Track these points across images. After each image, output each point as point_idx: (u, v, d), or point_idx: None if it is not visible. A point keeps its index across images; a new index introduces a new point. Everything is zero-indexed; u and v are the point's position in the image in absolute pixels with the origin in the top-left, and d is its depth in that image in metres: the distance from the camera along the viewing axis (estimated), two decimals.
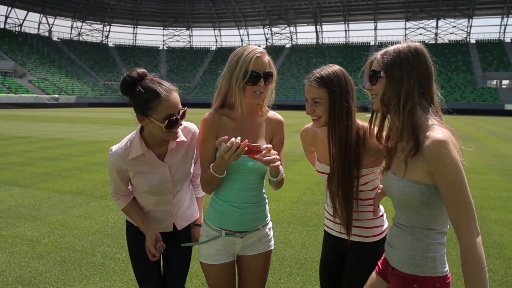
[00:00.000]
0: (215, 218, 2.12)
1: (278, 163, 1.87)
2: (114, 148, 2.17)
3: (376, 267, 1.99)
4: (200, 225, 2.44)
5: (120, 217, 5.69)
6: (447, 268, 1.71)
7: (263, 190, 2.20)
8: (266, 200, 2.23)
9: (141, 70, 2.00)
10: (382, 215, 2.22)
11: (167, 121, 1.95)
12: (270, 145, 1.85)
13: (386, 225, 2.24)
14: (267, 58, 2.05)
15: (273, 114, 2.22)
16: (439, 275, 1.68)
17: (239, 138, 1.82)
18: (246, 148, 1.82)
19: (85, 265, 4.10)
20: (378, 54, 1.73)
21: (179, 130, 2.14)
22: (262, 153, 1.82)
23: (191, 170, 2.28)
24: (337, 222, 2.18)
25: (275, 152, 1.87)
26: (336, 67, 2.05)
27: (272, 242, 2.27)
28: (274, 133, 2.19)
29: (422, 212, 1.67)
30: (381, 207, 2.23)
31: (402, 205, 1.69)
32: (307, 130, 2.33)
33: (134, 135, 2.16)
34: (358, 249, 2.18)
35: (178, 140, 2.14)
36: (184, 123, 2.21)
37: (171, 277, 2.35)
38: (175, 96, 2.00)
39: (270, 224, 2.27)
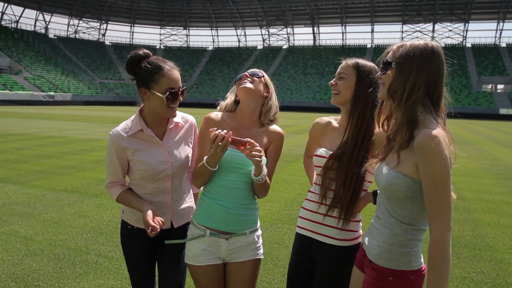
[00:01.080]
0: (201, 216, 2.15)
1: (260, 159, 1.95)
2: (114, 128, 2.24)
3: (356, 259, 2.01)
4: None
5: (115, 215, 5.68)
6: (421, 261, 1.77)
7: (254, 196, 2.21)
8: (256, 207, 2.24)
9: (146, 50, 2.15)
10: (359, 221, 2.18)
11: (168, 93, 2.07)
12: (252, 140, 1.95)
13: (361, 232, 2.20)
14: (260, 71, 2.26)
15: (274, 126, 2.28)
16: (413, 268, 1.74)
17: (225, 130, 1.93)
18: (230, 139, 1.92)
19: (79, 263, 4.09)
20: (395, 46, 1.78)
21: (178, 114, 2.25)
22: (247, 147, 1.93)
23: (189, 156, 2.30)
24: (312, 220, 2.17)
25: (260, 149, 1.95)
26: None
27: (261, 252, 2.24)
28: (270, 143, 2.23)
29: (405, 205, 1.71)
30: (359, 215, 2.20)
31: (388, 194, 1.73)
32: (322, 119, 2.36)
33: (134, 116, 2.24)
34: (328, 253, 2.13)
35: (176, 120, 2.23)
36: (183, 114, 2.32)
37: (165, 277, 2.34)
38: (177, 73, 2.14)
39: (259, 232, 2.25)
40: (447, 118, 1.76)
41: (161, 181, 2.22)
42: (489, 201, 7.16)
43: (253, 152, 1.92)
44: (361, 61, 2.14)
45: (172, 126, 2.24)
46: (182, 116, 2.31)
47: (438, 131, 1.60)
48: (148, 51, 2.15)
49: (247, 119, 2.21)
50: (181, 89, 2.14)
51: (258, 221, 2.26)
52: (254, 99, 2.18)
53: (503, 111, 50.86)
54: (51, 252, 4.34)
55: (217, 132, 1.91)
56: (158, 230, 2.03)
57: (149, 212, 2.09)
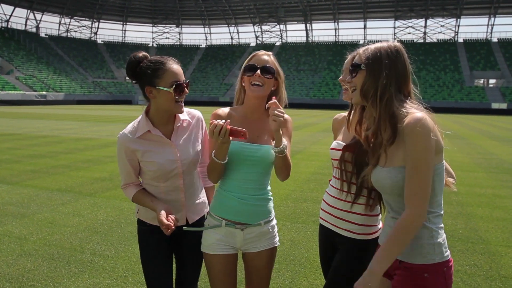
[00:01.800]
0: (217, 208, 2.21)
1: (282, 119, 1.97)
2: (122, 131, 2.25)
3: None
4: None
5: (110, 214, 5.67)
6: (449, 251, 1.78)
7: (268, 187, 2.24)
8: (271, 197, 2.27)
9: (144, 52, 2.17)
10: (378, 215, 2.20)
11: (174, 85, 2.08)
12: (275, 101, 1.98)
13: (380, 225, 2.22)
14: (269, 58, 2.20)
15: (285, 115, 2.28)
16: (445, 259, 1.73)
17: (223, 121, 1.95)
18: (228, 127, 1.94)
19: (74, 262, 4.08)
20: (360, 50, 1.82)
21: (184, 110, 2.27)
22: (272, 106, 1.97)
23: (199, 152, 2.31)
24: (332, 214, 2.20)
25: (282, 110, 1.98)
26: None
27: (277, 240, 2.30)
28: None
29: None
30: (378, 208, 2.21)
31: (398, 192, 1.72)
32: (340, 114, 2.43)
33: (140, 117, 2.25)
34: (348, 245, 2.18)
35: (182, 118, 2.25)
36: (189, 109, 2.35)
37: (186, 276, 2.38)
38: (179, 67, 2.17)
39: (274, 222, 2.30)
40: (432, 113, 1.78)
41: (172, 180, 2.24)
42: (482, 194, 7.22)
43: (275, 112, 1.94)
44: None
45: (179, 124, 2.25)
46: (188, 112, 2.33)
47: (422, 114, 1.64)
48: (146, 53, 2.17)
49: (255, 112, 2.23)
50: (185, 82, 2.16)
51: (273, 211, 2.29)
52: (264, 99, 2.21)
53: (495, 105, 51.25)
54: (46, 252, 4.33)
55: (215, 122, 1.94)
56: (173, 228, 2.06)
57: (163, 212, 2.11)
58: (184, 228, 2.25)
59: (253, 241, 2.21)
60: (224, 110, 2.25)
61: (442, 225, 1.77)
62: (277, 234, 2.31)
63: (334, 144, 2.27)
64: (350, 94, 2.17)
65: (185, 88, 2.14)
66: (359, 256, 2.15)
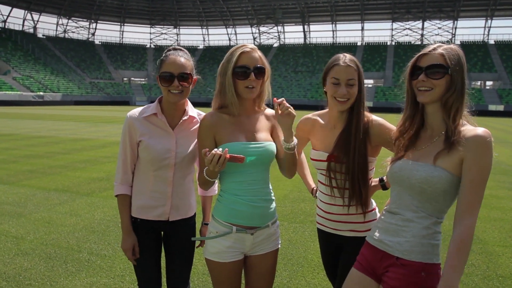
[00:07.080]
0: (225, 213, 2.07)
1: (294, 114, 1.93)
2: (132, 110, 2.31)
3: (357, 263, 1.95)
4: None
5: (107, 214, 5.65)
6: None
7: (270, 186, 2.20)
8: (274, 197, 2.23)
9: (177, 47, 2.26)
10: (374, 209, 2.21)
11: (160, 73, 2.15)
12: (281, 99, 1.93)
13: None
14: (257, 54, 2.06)
15: (271, 110, 2.24)
16: (439, 262, 1.76)
17: (220, 149, 1.86)
18: (228, 156, 1.84)
19: (71, 261, 4.07)
20: (440, 49, 1.73)
21: (194, 110, 2.31)
22: (279, 105, 1.92)
23: (196, 151, 2.28)
24: (330, 219, 2.21)
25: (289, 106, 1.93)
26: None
27: (279, 241, 2.27)
28: (273, 127, 2.20)
29: (437, 199, 1.72)
30: (373, 201, 2.24)
31: (421, 189, 1.71)
32: (307, 119, 2.35)
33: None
34: (353, 243, 2.17)
35: (191, 114, 2.28)
36: (199, 111, 2.37)
37: (175, 273, 2.39)
38: (178, 60, 2.15)
39: (278, 222, 2.28)
40: None
41: (163, 170, 2.24)
42: None
43: (285, 108, 1.89)
44: (354, 57, 2.14)
45: (186, 118, 2.26)
46: (198, 113, 2.34)
47: (487, 129, 1.68)
48: (179, 48, 2.24)
49: (249, 109, 2.15)
50: (184, 75, 2.13)
51: (276, 212, 2.27)
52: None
53: (492, 107, 51.40)
54: (43, 251, 4.31)
55: (213, 151, 1.83)
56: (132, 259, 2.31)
57: (132, 243, 2.28)
58: (193, 238, 2.26)
59: (260, 243, 2.14)
60: (213, 116, 2.10)
61: (441, 230, 1.79)
62: (279, 234, 2.29)
63: (314, 154, 2.21)
64: (347, 104, 2.08)
65: (175, 80, 2.11)
66: None
